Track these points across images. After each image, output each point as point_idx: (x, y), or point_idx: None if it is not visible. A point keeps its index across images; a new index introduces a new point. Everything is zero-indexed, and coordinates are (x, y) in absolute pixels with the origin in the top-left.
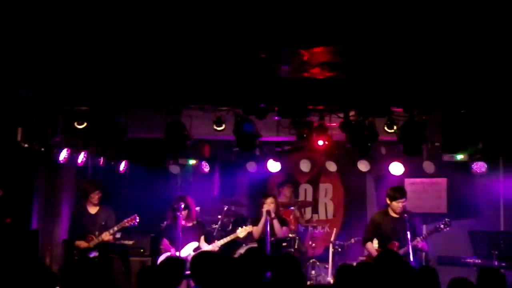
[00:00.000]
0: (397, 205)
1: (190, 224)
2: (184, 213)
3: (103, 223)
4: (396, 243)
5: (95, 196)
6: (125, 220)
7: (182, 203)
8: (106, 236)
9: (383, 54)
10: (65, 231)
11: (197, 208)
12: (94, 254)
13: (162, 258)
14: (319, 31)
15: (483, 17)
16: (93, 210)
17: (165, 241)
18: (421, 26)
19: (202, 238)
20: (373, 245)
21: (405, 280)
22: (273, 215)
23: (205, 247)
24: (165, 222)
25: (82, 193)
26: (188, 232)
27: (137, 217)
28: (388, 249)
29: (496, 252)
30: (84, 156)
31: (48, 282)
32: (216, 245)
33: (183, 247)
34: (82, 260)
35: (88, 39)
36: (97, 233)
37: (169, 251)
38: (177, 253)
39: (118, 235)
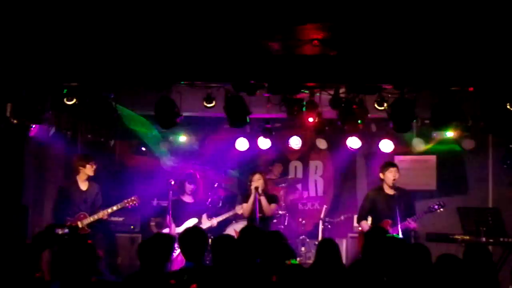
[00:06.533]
0: (390, 175)
1: (191, 201)
2: (190, 188)
3: (93, 201)
4: (390, 221)
5: (91, 168)
6: (126, 201)
7: (189, 179)
8: (104, 214)
9: (374, 31)
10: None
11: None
12: (62, 231)
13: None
14: (310, 8)
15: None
16: (83, 186)
17: (168, 218)
18: (411, 4)
19: (205, 215)
20: (368, 223)
21: (394, 257)
22: (260, 191)
23: (206, 223)
24: (172, 196)
25: (73, 168)
26: (188, 209)
27: (138, 200)
28: (378, 227)
29: (484, 229)
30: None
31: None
32: (214, 221)
33: (182, 223)
34: (50, 237)
35: (78, 15)
36: (88, 211)
37: (170, 227)
38: (177, 229)
39: None
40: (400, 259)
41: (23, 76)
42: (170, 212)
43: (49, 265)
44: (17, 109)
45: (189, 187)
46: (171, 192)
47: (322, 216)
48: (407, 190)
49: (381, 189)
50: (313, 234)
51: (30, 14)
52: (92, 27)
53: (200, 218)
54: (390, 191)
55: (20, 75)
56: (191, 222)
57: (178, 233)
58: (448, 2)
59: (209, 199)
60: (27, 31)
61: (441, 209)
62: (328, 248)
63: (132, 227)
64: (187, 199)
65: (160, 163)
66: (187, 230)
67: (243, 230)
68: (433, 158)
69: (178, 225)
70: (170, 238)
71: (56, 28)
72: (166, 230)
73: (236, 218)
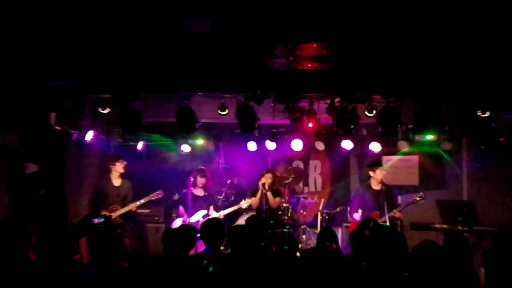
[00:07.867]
0: (381, 172)
1: (201, 194)
2: (201, 182)
3: (124, 195)
4: (377, 213)
5: (121, 165)
6: (151, 195)
7: (199, 174)
8: (133, 206)
9: (365, 49)
10: None
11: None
12: (98, 220)
13: (176, 222)
14: (311, 29)
15: (454, 15)
16: (117, 182)
17: (181, 208)
18: (397, 27)
19: (212, 207)
20: (359, 215)
21: (382, 243)
22: (267, 187)
23: (213, 214)
24: (183, 190)
25: (105, 167)
26: (199, 201)
27: (163, 193)
28: (369, 217)
29: (460, 219)
30: (93, 135)
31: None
32: (222, 214)
33: (193, 213)
34: (87, 226)
35: (111, 38)
36: (120, 204)
37: (183, 216)
38: (188, 219)
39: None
40: (381, 245)
41: (65, 90)
42: (188, 204)
43: (87, 250)
44: (59, 118)
45: (200, 180)
46: (190, 187)
47: (320, 208)
48: (390, 185)
49: (369, 185)
50: (312, 224)
51: (73, 38)
52: (124, 47)
53: (208, 210)
54: (377, 187)
55: (62, 89)
56: (200, 213)
57: (191, 223)
58: (425, 24)
59: (223, 194)
60: (69, 52)
61: (422, 201)
62: (327, 235)
63: (156, 218)
64: (198, 192)
65: (179, 163)
66: (208, 220)
67: (248, 219)
68: (415, 157)
69: (189, 216)
70: (193, 229)
71: (94, 49)
72: (179, 220)
73: (247, 209)
